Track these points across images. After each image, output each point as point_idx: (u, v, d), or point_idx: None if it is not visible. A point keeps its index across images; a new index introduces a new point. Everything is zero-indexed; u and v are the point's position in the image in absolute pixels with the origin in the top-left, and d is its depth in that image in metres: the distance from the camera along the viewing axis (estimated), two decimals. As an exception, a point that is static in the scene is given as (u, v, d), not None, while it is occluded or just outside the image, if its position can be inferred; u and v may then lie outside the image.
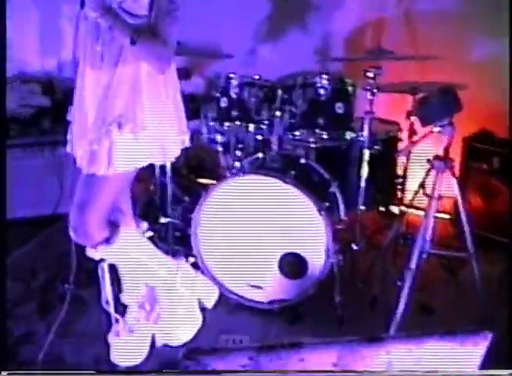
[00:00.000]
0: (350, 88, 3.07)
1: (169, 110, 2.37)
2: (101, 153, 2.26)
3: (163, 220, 3.32)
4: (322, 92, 3.03)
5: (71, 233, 2.36)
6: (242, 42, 3.83)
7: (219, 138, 3.25)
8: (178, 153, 2.44)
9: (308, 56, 3.83)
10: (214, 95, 3.17)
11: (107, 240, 2.42)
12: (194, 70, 3.73)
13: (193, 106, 3.61)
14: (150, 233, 2.68)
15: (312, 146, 3.10)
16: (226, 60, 3.58)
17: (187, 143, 2.49)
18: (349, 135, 3.06)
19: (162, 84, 2.33)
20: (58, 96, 3.60)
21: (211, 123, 3.19)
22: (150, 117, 2.29)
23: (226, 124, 3.12)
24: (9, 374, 2.07)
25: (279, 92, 3.07)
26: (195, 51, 3.33)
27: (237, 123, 3.11)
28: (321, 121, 3.02)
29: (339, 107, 3.03)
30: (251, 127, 3.11)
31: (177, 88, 2.42)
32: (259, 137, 3.17)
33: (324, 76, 3.02)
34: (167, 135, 2.36)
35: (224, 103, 3.13)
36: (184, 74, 3.61)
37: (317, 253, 2.82)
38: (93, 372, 2.32)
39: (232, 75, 3.11)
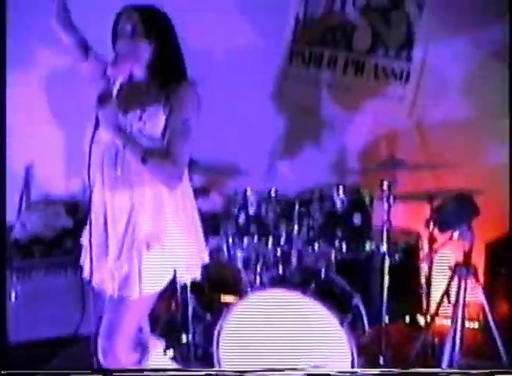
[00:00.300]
0: (366, 199, 3.11)
1: (189, 227, 2.43)
2: (133, 276, 2.29)
3: (184, 339, 3.28)
4: (338, 204, 3.07)
5: (100, 358, 2.34)
6: (259, 159, 3.93)
7: (239, 254, 3.28)
8: (198, 270, 2.47)
9: (324, 171, 3.91)
10: (233, 212, 3.22)
11: (139, 362, 2.40)
12: (212, 187, 3.82)
13: (213, 223, 3.67)
14: (171, 353, 2.64)
15: (332, 258, 3.10)
16: (244, 177, 3.67)
17: (207, 260, 2.51)
18: (369, 245, 3.07)
19: (181, 203, 2.39)
20: (81, 217, 3.68)
21: (231, 239, 3.22)
22: (174, 235, 2.35)
23: (245, 239, 3.15)
24: (8, 373, 1.99)
25: (297, 206, 3.12)
26: (212, 169, 3.43)
27: (256, 238, 3.14)
28: (339, 232, 3.04)
29: (356, 218, 3.06)
30: (270, 242, 3.12)
31: (194, 206, 2.49)
32: (278, 252, 3.18)
33: (340, 188, 3.07)
34: (189, 253, 2.40)
35: (242, 219, 3.17)
36: (202, 192, 3.70)
37: (342, 367, 2.74)
38: (93, 372, 2.24)
39: (249, 191, 3.17)
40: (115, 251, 2.33)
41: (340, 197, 3.07)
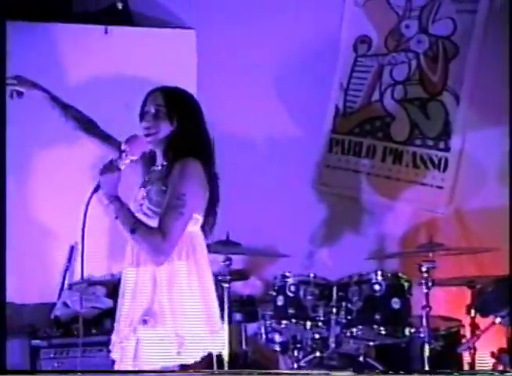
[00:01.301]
0: (405, 284, 3.09)
1: (194, 306, 2.36)
2: (128, 350, 2.31)
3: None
4: (377, 288, 3.06)
5: None
6: (299, 245, 3.95)
7: (277, 337, 3.26)
8: (205, 353, 2.37)
9: (363, 256, 3.90)
10: (271, 294, 3.23)
11: None
12: (251, 271, 3.85)
13: (251, 309, 3.67)
14: None
15: (371, 343, 3.05)
16: (283, 262, 3.69)
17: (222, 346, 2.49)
18: (408, 330, 3.02)
19: (194, 275, 2.36)
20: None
21: (269, 322, 3.22)
22: (177, 312, 2.31)
23: (283, 322, 3.14)
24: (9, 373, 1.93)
25: (335, 289, 3.12)
26: (252, 251, 3.47)
27: (294, 321, 3.12)
28: (378, 317, 3.01)
29: (395, 303, 3.03)
30: (308, 325, 3.10)
31: (209, 277, 2.44)
32: (316, 335, 3.15)
33: (379, 272, 3.07)
34: (195, 332, 2.32)
35: (280, 301, 3.17)
36: (242, 275, 3.74)
37: None
38: (93, 372, 2.16)
39: (287, 273, 3.19)
40: (121, 326, 2.38)
41: (378, 282, 3.06)
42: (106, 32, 4.04)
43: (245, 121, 4.10)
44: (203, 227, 2.45)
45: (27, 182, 3.90)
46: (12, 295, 3.77)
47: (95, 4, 4.18)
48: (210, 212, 2.46)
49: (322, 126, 4.15)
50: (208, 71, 4.18)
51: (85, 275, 3.95)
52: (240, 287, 3.77)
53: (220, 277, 3.12)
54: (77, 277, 3.95)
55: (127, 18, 4.18)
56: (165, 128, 2.41)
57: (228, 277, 3.18)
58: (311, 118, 4.13)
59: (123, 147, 2.34)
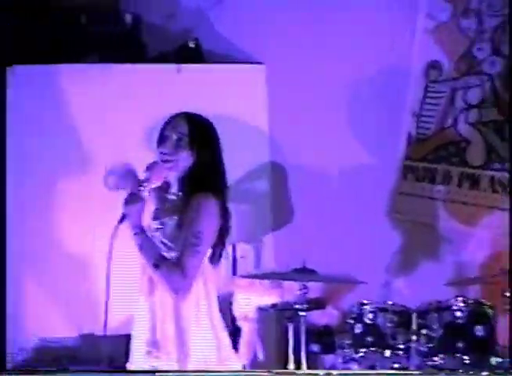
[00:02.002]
0: (489, 311, 2.99)
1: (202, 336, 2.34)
2: None
3: None
4: (458, 314, 2.97)
5: None
6: (374, 273, 3.89)
7: (355, 367, 3.19)
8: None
9: (440, 284, 3.80)
10: (349, 323, 3.18)
11: None
12: (327, 300, 3.81)
13: (329, 339, 3.62)
14: None
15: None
16: (359, 291, 3.64)
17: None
18: (495, 360, 2.90)
19: (194, 309, 2.34)
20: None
21: (347, 351, 3.16)
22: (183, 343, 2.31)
23: (361, 350, 3.08)
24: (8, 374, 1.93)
25: (414, 316, 3.04)
26: (328, 278, 3.43)
27: (373, 350, 3.06)
28: (461, 345, 2.91)
29: (479, 330, 2.93)
30: (387, 353, 3.04)
31: (215, 315, 2.40)
32: (396, 365, 3.07)
33: (459, 299, 2.99)
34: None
35: (358, 329, 3.12)
36: (318, 304, 3.70)
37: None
38: (93, 372, 2.13)
39: (365, 301, 3.15)
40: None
41: (460, 308, 2.97)
42: (178, 70, 4.16)
43: (318, 152, 4.10)
44: (210, 259, 2.41)
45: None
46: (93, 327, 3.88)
47: (168, 44, 4.34)
48: (219, 244, 2.42)
49: (395, 153, 4.11)
50: (279, 105, 4.23)
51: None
52: (317, 317, 3.73)
53: (297, 306, 3.10)
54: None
55: (198, 56, 4.31)
56: (185, 158, 2.36)
57: (306, 306, 3.15)
58: (384, 146, 4.10)
59: (144, 175, 2.33)
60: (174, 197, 2.41)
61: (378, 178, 4.08)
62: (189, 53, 4.26)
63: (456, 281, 3.70)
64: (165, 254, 2.31)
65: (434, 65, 4.03)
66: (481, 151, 3.87)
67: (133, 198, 2.30)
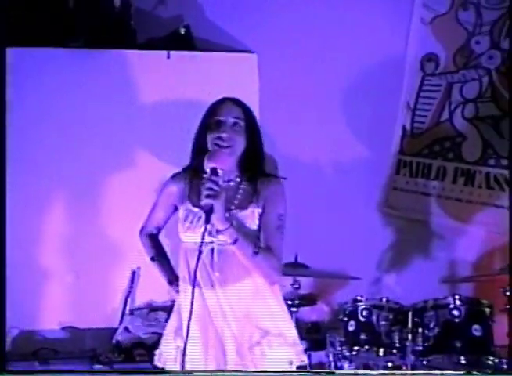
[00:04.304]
0: (486, 310, 2.92)
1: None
2: None
3: None
4: (456, 313, 2.89)
5: None
6: (366, 269, 3.80)
7: (346, 366, 3.10)
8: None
9: (433, 282, 3.73)
10: (342, 319, 3.09)
11: None
12: (318, 296, 3.72)
13: (317, 336, 3.53)
14: None
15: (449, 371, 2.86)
16: (350, 287, 3.57)
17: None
18: (491, 360, 2.83)
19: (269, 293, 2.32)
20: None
21: (338, 349, 3.07)
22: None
23: (354, 348, 2.99)
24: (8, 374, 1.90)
25: (410, 314, 2.96)
26: (320, 273, 3.35)
27: (366, 347, 2.97)
28: (458, 344, 2.83)
29: (476, 330, 2.86)
30: (381, 351, 2.96)
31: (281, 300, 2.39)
32: (389, 364, 2.99)
33: (456, 297, 2.91)
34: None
35: (352, 326, 3.04)
36: (309, 299, 3.61)
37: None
38: (92, 372, 2.07)
39: (359, 298, 3.06)
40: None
41: (457, 307, 2.90)
42: (168, 57, 4.05)
43: (310, 144, 4.01)
44: None
45: (94, 204, 3.89)
46: (74, 319, 3.78)
47: (158, 30, 4.22)
48: None
49: (389, 148, 4.02)
50: (271, 95, 4.11)
51: (147, 300, 3.99)
52: (307, 313, 3.63)
53: (289, 301, 3.00)
54: (138, 302, 3.91)
55: (189, 43, 4.19)
56: (240, 143, 2.31)
57: (297, 301, 3.06)
58: (378, 140, 4.01)
59: (211, 165, 2.21)
60: (231, 184, 2.34)
61: (372, 172, 4.00)
62: (179, 40, 4.14)
63: (451, 279, 3.64)
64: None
65: (430, 58, 3.95)
66: (477, 147, 3.80)
67: (214, 190, 2.17)
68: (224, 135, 2.28)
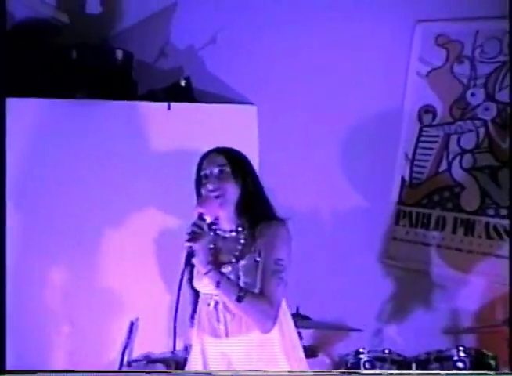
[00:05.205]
0: (492, 362, 2.88)
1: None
2: None
3: None
4: (460, 365, 2.86)
5: None
6: (367, 321, 3.77)
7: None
8: None
9: (435, 333, 3.69)
10: (344, 372, 3.04)
11: None
12: (319, 348, 3.67)
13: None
14: None
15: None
16: (351, 339, 3.54)
17: None
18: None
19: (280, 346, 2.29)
20: None
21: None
22: None
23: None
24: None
25: (414, 366, 2.93)
26: (322, 325, 3.32)
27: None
28: (463, 397, 2.79)
29: (481, 382, 2.81)
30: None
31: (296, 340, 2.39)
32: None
33: (461, 348, 2.88)
34: None
35: (354, 379, 2.98)
36: (310, 351, 3.55)
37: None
38: (93, 372, 2.19)
39: (361, 350, 3.02)
40: None
41: (461, 359, 2.86)
42: (169, 108, 4.09)
43: (309, 195, 4.02)
44: None
45: (95, 255, 3.88)
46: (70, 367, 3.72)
47: (159, 82, 4.28)
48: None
49: (388, 198, 4.04)
50: (270, 146, 4.15)
51: (145, 352, 3.92)
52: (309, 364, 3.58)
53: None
54: (136, 354, 3.85)
55: (189, 94, 4.25)
56: (232, 190, 2.31)
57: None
58: (377, 190, 4.04)
59: (199, 210, 2.24)
60: (232, 234, 2.35)
61: (371, 222, 4.00)
62: (179, 91, 4.20)
63: (453, 330, 3.61)
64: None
65: (427, 109, 4.01)
66: (476, 197, 3.83)
67: (198, 233, 2.21)
68: (210, 186, 2.30)
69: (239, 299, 2.18)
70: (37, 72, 3.90)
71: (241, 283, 2.23)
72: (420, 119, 4.02)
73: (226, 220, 2.35)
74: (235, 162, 2.35)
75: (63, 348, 3.78)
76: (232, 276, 2.25)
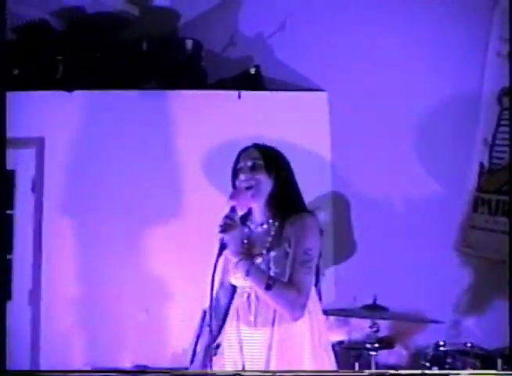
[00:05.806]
0: None
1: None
2: None
3: None
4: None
5: None
6: (445, 312, 3.66)
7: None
8: None
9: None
10: (424, 364, 2.96)
11: None
12: (397, 339, 3.58)
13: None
14: None
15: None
16: (429, 330, 3.43)
17: None
18: None
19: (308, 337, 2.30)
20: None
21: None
22: None
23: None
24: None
25: (499, 362, 2.81)
26: (399, 316, 3.24)
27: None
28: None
29: None
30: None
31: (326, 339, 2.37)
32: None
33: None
34: None
35: (435, 373, 2.89)
36: (387, 343, 3.48)
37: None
38: (93, 372, 2.26)
39: (441, 342, 2.93)
40: None
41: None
42: (239, 97, 4.08)
43: (382, 182, 3.94)
44: None
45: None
46: (144, 360, 3.76)
47: (229, 71, 4.27)
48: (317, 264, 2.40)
49: (466, 185, 3.88)
50: (342, 133, 4.10)
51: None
52: (384, 356, 3.51)
53: (368, 345, 2.90)
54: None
55: (259, 83, 4.22)
56: (264, 182, 2.38)
57: (376, 345, 2.95)
58: (453, 177, 3.88)
59: (231, 203, 2.30)
60: (264, 227, 2.41)
61: (448, 210, 3.86)
62: (249, 80, 4.19)
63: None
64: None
65: (507, 91, 3.83)
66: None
67: (230, 224, 2.28)
68: (243, 177, 2.37)
69: (268, 287, 2.23)
70: (111, 64, 3.95)
71: (271, 273, 2.29)
72: (499, 102, 3.84)
73: (258, 212, 2.42)
74: (269, 156, 2.41)
75: (137, 337, 3.86)
76: (262, 266, 2.30)
